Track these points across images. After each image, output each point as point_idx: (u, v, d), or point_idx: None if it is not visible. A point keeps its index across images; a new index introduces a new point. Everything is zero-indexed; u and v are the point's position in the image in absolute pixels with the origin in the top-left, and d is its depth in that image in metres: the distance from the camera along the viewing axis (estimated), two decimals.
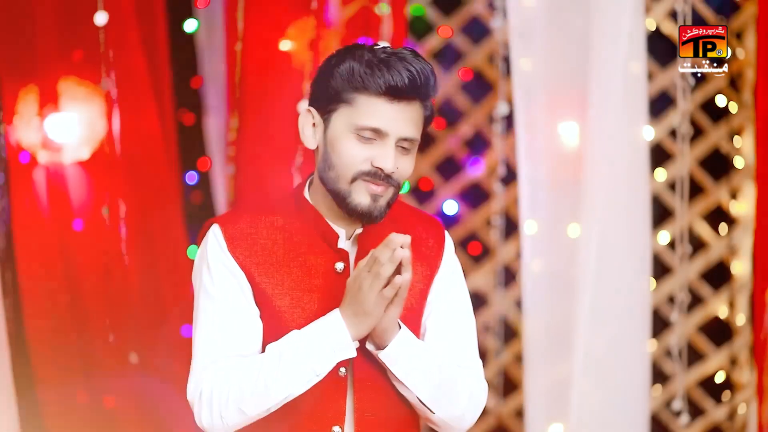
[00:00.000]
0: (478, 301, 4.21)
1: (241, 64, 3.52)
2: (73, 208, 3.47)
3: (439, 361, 2.04)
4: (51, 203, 3.39)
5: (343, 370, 2.02)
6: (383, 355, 1.98)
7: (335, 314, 1.96)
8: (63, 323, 3.49)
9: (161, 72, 3.62)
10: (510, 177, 4.19)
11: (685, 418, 3.51)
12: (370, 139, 1.98)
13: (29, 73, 3.36)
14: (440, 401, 2.04)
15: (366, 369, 2.03)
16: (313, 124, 2.05)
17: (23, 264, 3.39)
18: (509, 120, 4.06)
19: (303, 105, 3.33)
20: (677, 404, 3.49)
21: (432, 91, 2.02)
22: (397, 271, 1.89)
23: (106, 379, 3.57)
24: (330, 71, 2.01)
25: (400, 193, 3.99)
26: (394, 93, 1.97)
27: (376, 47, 2.01)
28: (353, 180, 1.99)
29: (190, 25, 3.97)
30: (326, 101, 2.02)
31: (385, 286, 1.90)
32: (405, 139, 2.00)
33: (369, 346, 2.00)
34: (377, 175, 1.99)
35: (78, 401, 3.55)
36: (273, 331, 2.02)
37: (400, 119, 1.98)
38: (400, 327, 2.00)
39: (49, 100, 3.36)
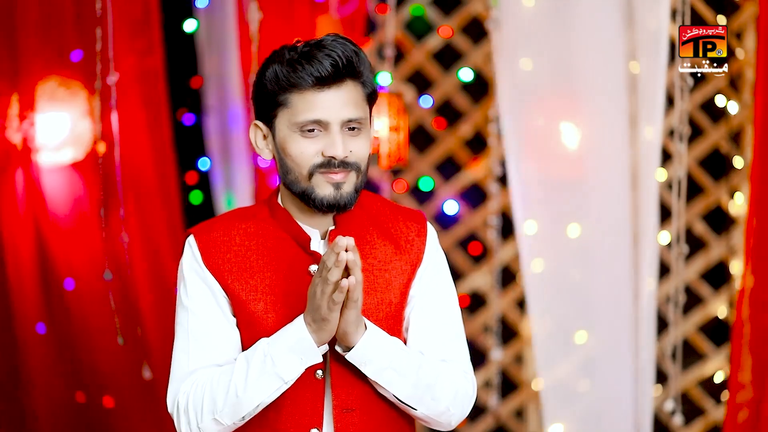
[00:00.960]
0: (478, 301, 4.21)
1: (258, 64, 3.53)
2: (69, 209, 3.48)
3: (417, 359, 2.02)
4: (43, 204, 3.39)
5: (319, 372, 2.02)
6: (350, 357, 1.97)
7: (299, 321, 1.95)
8: (52, 326, 3.49)
9: (156, 72, 3.61)
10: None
11: (678, 418, 3.51)
12: (314, 131, 1.99)
13: (19, 75, 3.35)
14: (421, 398, 2.02)
15: (343, 369, 2.02)
16: (264, 136, 2.07)
17: (11, 264, 3.40)
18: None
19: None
20: (669, 404, 3.49)
21: (361, 67, 2.01)
22: (348, 273, 1.88)
23: (103, 379, 3.58)
24: (260, 81, 2.03)
25: (402, 193, 4.04)
26: (322, 82, 1.97)
27: (297, 44, 2.02)
28: (310, 176, 1.99)
29: (190, 25, 3.98)
30: (266, 110, 2.04)
31: (336, 290, 1.89)
32: (349, 121, 2.00)
33: (338, 349, 1.99)
34: (331, 164, 1.98)
35: (78, 401, 3.56)
36: (250, 337, 2.03)
37: (336, 104, 1.98)
38: (366, 328, 1.98)
39: (40, 101, 3.36)
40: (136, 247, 3.57)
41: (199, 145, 4.04)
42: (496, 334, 4.12)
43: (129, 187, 3.52)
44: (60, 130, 3.39)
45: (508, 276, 4.26)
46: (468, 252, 4.23)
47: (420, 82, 4.22)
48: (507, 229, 4.22)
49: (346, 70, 1.98)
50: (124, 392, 3.58)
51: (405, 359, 2.00)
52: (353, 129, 2.01)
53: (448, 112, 4.23)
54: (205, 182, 4.06)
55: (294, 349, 1.94)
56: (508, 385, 4.29)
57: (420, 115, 4.21)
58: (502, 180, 4.11)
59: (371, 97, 2.05)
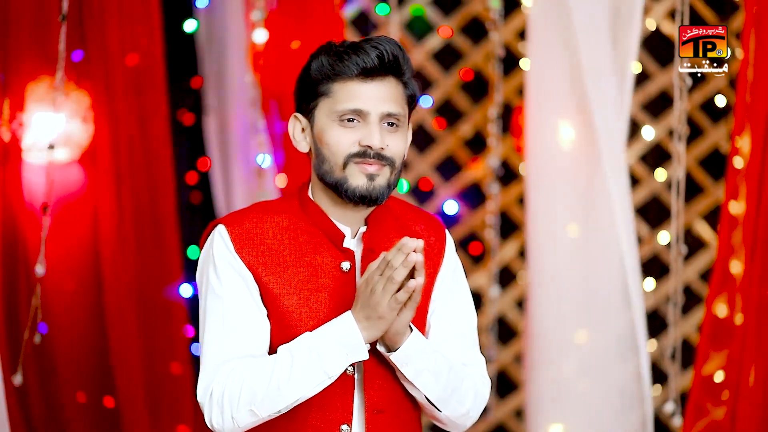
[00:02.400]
0: (478, 301, 4.21)
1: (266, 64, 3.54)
2: (66, 207, 3.48)
3: (448, 362, 2.05)
4: (39, 203, 3.39)
5: (350, 368, 2.03)
6: (394, 357, 1.99)
7: (348, 317, 1.96)
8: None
9: (156, 72, 3.60)
10: (509, 177, 4.19)
11: (677, 420, 3.50)
12: (353, 121, 2.01)
13: (9, 75, 3.34)
14: (448, 401, 2.05)
15: (375, 367, 2.04)
16: (302, 129, 2.09)
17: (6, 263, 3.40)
18: (505, 120, 4.07)
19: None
20: (669, 406, 3.49)
21: (405, 67, 2.05)
22: (410, 275, 1.91)
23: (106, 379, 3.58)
24: (306, 72, 2.07)
25: (401, 193, 4.04)
26: (366, 73, 2.01)
27: (345, 41, 2.06)
28: (345, 165, 2.01)
29: (189, 25, 3.98)
30: (307, 100, 2.07)
31: (398, 290, 1.91)
32: (388, 115, 2.02)
33: (380, 348, 2.01)
34: (367, 154, 2.00)
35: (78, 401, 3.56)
36: (281, 331, 2.03)
37: (378, 97, 2.01)
38: (411, 329, 2.01)
39: (30, 101, 3.35)
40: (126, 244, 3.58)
41: (199, 145, 4.05)
42: (491, 332, 4.12)
43: (121, 186, 3.53)
44: (51, 129, 3.37)
45: (509, 276, 4.27)
46: (468, 252, 4.24)
47: (420, 82, 4.22)
48: (507, 228, 4.23)
49: (391, 65, 2.02)
50: (125, 392, 3.58)
51: (440, 362, 2.03)
52: (392, 125, 2.03)
53: (449, 112, 4.23)
54: (205, 182, 4.06)
55: (342, 345, 1.95)
56: (508, 385, 4.29)
57: (420, 115, 4.21)
58: (502, 180, 4.12)
59: (411, 100, 2.09)
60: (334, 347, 1.95)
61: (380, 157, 2.01)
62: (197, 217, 4.00)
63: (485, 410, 4.17)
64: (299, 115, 2.09)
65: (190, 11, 3.97)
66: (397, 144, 2.03)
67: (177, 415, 3.63)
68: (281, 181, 3.81)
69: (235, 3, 3.88)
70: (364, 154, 2.00)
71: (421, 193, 4.26)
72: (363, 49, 2.01)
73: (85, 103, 3.45)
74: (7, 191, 3.34)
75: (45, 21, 3.30)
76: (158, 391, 3.63)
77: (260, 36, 3.68)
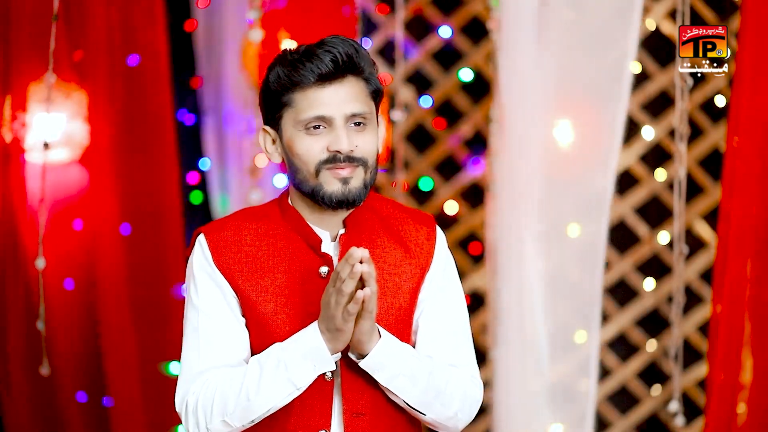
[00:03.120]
0: (479, 301, 4.21)
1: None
2: (72, 207, 3.47)
3: (427, 365, 2.03)
4: (43, 202, 3.39)
5: (329, 374, 2.02)
6: (364, 364, 1.98)
7: (314, 328, 1.96)
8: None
9: (160, 71, 3.60)
10: None
11: (680, 420, 3.51)
12: (319, 128, 2.00)
13: (10, 75, 3.34)
14: (430, 404, 2.04)
15: (354, 374, 2.02)
16: (273, 141, 2.08)
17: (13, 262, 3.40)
18: None
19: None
20: (674, 405, 3.49)
21: (362, 63, 2.02)
22: (363, 283, 1.89)
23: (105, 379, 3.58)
24: (265, 85, 2.06)
25: (401, 193, 4.03)
26: (323, 78, 1.99)
27: (300, 46, 2.04)
28: (317, 172, 2.00)
29: (190, 25, 3.97)
30: (272, 113, 2.05)
31: (350, 301, 1.89)
32: (353, 116, 2.01)
33: (351, 355, 2.00)
34: (337, 159, 1.99)
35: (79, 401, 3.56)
36: (259, 338, 2.03)
37: (339, 99, 2.00)
38: (381, 335, 1.99)
39: (32, 101, 3.35)
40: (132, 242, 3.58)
41: (199, 145, 4.04)
42: (492, 332, 4.12)
43: (126, 187, 3.53)
44: (47, 129, 3.37)
45: None
46: (468, 252, 4.23)
47: (420, 82, 4.22)
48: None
49: (347, 65, 2.00)
50: (125, 391, 3.57)
51: (416, 366, 2.01)
52: (358, 124, 2.01)
53: (449, 112, 4.23)
54: (205, 182, 4.06)
55: (307, 357, 1.94)
56: None
57: (420, 115, 4.21)
58: None
59: (376, 94, 2.06)
60: (300, 359, 1.95)
61: (351, 159, 2.00)
62: (197, 217, 3.99)
63: (485, 410, 4.17)
64: (267, 128, 2.08)
65: (190, 11, 3.97)
66: (367, 143, 2.02)
67: (175, 416, 3.63)
68: (279, 181, 3.81)
69: (234, 3, 3.88)
70: (334, 159, 1.99)
71: (421, 193, 4.25)
72: (316, 55, 1.98)
73: (85, 103, 3.45)
74: (9, 191, 3.34)
75: (46, 21, 3.30)
76: (155, 391, 3.63)
77: (257, 35, 3.68)
